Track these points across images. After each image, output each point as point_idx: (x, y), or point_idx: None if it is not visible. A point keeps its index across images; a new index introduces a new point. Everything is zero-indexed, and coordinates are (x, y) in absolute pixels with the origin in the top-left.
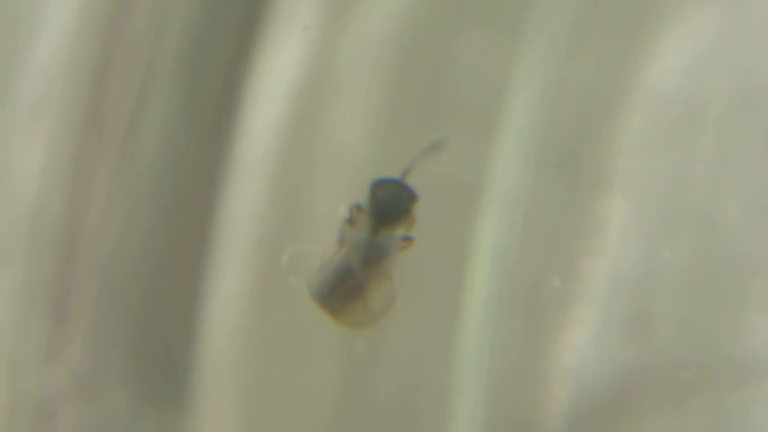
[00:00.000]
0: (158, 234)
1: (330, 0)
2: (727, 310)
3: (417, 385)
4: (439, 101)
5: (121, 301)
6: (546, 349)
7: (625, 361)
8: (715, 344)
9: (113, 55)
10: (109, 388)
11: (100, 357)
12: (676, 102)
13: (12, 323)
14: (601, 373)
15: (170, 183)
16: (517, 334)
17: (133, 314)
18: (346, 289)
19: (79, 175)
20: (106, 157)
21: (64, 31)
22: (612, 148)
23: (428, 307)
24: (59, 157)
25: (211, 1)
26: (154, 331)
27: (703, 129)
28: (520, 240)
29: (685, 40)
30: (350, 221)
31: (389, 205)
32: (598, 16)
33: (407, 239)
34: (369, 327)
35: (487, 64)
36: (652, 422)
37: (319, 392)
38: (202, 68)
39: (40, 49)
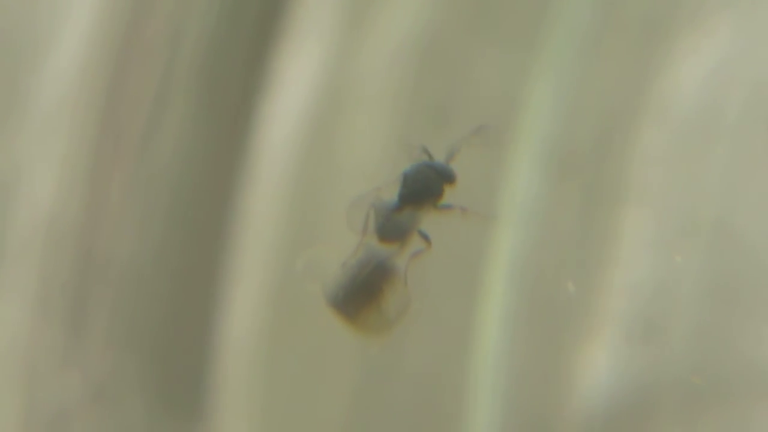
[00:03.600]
0: (174, 241)
1: (348, 11)
2: (743, 319)
3: (432, 394)
4: (455, 112)
5: (137, 308)
6: (562, 359)
7: (641, 369)
8: (731, 353)
9: (129, 64)
10: (126, 395)
11: (116, 364)
12: (690, 112)
13: (28, 330)
14: (616, 381)
15: (186, 190)
16: (532, 343)
17: (149, 321)
18: (361, 295)
19: (95, 181)
20: (122, 164)
21: (81, 39)
22: (627, 159)
23: (444, 315)
24: (75, 164)
25: (228, 9)
26: (170, 338)
27: (718, 138)
28: (535, 249)
29: (700, 50)
30: (377, 197)
31: (417, 183)
32: (613, 27)
33: (425, 238)
34: (384, 333)
35: (503, 75)
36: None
37: (335, 400)
38: (218, 76)
39: (58, 57)
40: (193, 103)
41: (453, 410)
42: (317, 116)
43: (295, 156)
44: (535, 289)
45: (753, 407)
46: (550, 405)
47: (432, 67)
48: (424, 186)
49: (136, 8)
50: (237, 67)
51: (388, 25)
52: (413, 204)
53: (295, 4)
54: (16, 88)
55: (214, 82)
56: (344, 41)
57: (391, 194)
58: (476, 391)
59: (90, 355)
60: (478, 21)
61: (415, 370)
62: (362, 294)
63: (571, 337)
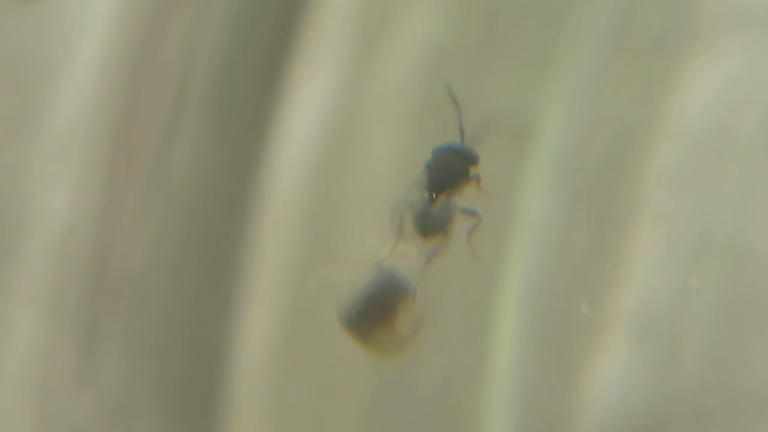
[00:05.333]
0: (188, 259)
1: (360, 33)
2: (756, 340)
3: (446, 414)
4: (467, 133)
5: (151, 326)
6: (574, 378)
7: (654, 389)
8: (745, 374)
9: (142, 86)
10: (139, 415)
11: (130, 383)
12: (703, 132)
13: (42, 348)
14: (629, 401)
15: (200, 210)
16: (545, 363)
17: (162, 339)
18: (374, 314)
19: (109, 201)
20: (135, 184)
21: (94, 61)
22: (640, 179)
23: (457, 336)
24: (90, 184)
25: (241, 31)
26: (183, 357)
27: (731, 159)
28: (548, 270)
29: (711, 71)
30: (409, 199)
31: (442, 171)
32: (625, 48)
33: (471, 214)
34: (397, 353)
35: (515, 97)
36: None
37: (348, 419)
38: (232, 98)
39: (71, 79)
40: (207, 124)
41: (466, 430)
42: (330, 137)
43: (308, 176)
44: (548, 309)
45: (763, 425)
46: (563, 425)
47: (444, 92)
48: (450, 171)
49: (150, 30)
50: (250, 89)
51: (400, 47)
52: (444, 192)
53: (307, 27)
54: (32, 108)
55: (228, 104)
56: (356, 63)
57: (420, 189)
58: (489, 411)
59: (104, 373)
60: (490, 42)
61: (427, 390)
62: (375, 314)
63: (583, 357)
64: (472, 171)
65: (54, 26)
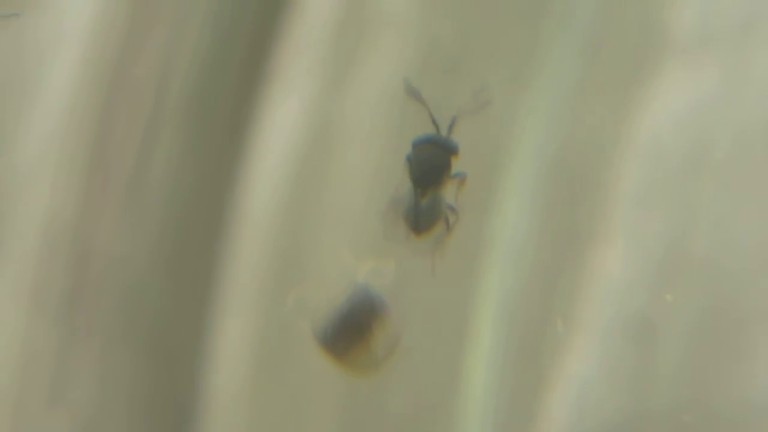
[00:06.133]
0: (162, 277)
1: (335, 51)
2: (731, 357)
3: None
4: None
5: (125, 345)
6: (549, 396)
7: (630, 406)
8: (720, 391)
9: (117, 103)
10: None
11: (104, 400)
12: (678, 150)
13: (18, 364)
14: (603, 418)
15: (174, 227)
16: (520, 382)
17: (136, 358)
18: (350, 333)
19: (83, 220)
20: (110, 202)
21: (69, 77)
22: (614, 197)
23: (432, 354)
24: (63, 203)
25: (216, 49)
26: (158, 376)
27: (706, 176)
28: (523, 287)
29: (686, 88)
30: (398, 198)
31: (424, 164)
32: (600, 66)
33: (452, 210)
34: (372, 372)
35: (490, 114)
36: None
37: None
38: (207, 115)
39: (45, 96)
40: (182, 141)
41: None
42: (305, 154)
43: (284, 193)
44: (524, 327)
45: None
46: None
47: (418, 107)
48: (432, 164)
49: (125, 48)
50: (225, 106)
51: (375, 65)
52: (430, 185)
53: (283, 44)
54: (6, 126)
55: (203, 122)
56: (331, 80)
57: (406, 186)
58: (464, 429)
59: (78, 392)
60: (463, 61)
61: (403, 408)
62: (351, 332)
63: (558, 375)
64: (454, 161)
65: (28, 43)
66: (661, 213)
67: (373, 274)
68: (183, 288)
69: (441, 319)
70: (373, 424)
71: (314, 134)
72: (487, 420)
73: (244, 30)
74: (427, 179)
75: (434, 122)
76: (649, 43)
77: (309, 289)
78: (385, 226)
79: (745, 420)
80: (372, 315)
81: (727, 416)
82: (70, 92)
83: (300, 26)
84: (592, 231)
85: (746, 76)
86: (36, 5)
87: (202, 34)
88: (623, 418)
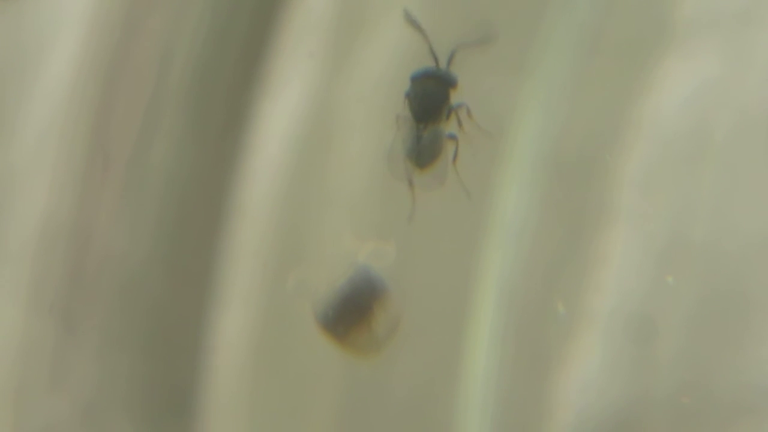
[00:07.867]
0: (163, 261)
1: (335, 36)
2: (732, 340)
3: (421, 415)
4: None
5: (126, 328)
6: (550, 379)
7: (631, 389)
8: (720, 374)
9: (117, 87)
10: (114, 416)
11: (104, 384)
12: (678, 134)
13: (19, 351)
14: (604, 401)
15: (175, 211)
16: (521, 364)
17: (137, 342)
18: (351, 314)
19: (83, 204)
20: (110, 186)
21: (69, 60)
22: (615, 181)
23: (433, 336)
24: (63, 186)
25: (217, 31)
26: (159, 359)
27: (706, 160)
28: (525, 271)
29: (686, 72)
30: (399, 130)
31: (423, 99)
32: (600, 51)
33: (452, 138)
34: (373, 353)
35: (490, 102)
36: None
37: (324, 419)
38: (207, 98)
39: (45, 79)
40: (182, 126)
41: (441, 430)
42: (306, 138)
43: (284, 176)
44: (525, 310)
45: (738, 425)
46: (539, 425)
47: (418, 37)
48: (431, 97)
49: (124, 32)
50: (225, 91)
51: (375, 51)
52: (429, 118)
53: (282, 30)
54: (6, 109)
55: (203, 104)
56: (331, 66)
57: (406, 122)
58: (465, 411)
59: (78, 375)
60: (462, 51)
61: (404, 390)
62: (352, 313)
63: (559, 357)
64: (453, 93)
65: (29, 26)
66: (662, 198)
67: (373, 255)
68: (184, 271)
69: (442, 300)
70: (375, 405)
71: (315, 118)
72: (488, 401)
73: (244, 15)
74: (427, 113)
75: (434, 54)
76: (650, 28)
77: (310, 271)
78: (389, 163)
79: (746, 403)
80: (373, 296)
81: (727, 399)
82: (69, 78)
83: (301, 12)
84: (593, 215)
85: (747, 62)
86: None
87: (202, 21)
88: (625, 402)
